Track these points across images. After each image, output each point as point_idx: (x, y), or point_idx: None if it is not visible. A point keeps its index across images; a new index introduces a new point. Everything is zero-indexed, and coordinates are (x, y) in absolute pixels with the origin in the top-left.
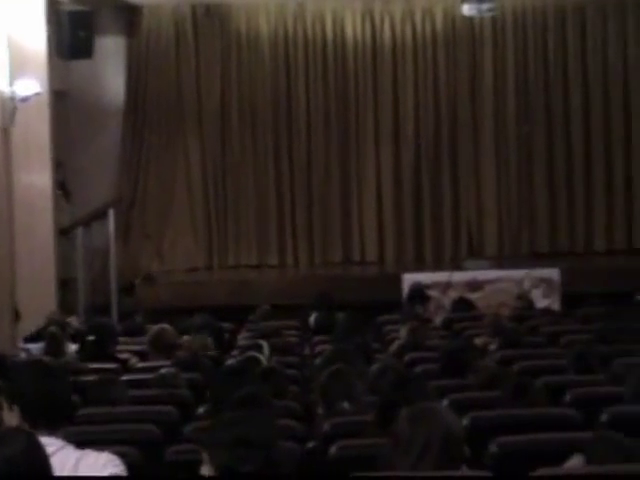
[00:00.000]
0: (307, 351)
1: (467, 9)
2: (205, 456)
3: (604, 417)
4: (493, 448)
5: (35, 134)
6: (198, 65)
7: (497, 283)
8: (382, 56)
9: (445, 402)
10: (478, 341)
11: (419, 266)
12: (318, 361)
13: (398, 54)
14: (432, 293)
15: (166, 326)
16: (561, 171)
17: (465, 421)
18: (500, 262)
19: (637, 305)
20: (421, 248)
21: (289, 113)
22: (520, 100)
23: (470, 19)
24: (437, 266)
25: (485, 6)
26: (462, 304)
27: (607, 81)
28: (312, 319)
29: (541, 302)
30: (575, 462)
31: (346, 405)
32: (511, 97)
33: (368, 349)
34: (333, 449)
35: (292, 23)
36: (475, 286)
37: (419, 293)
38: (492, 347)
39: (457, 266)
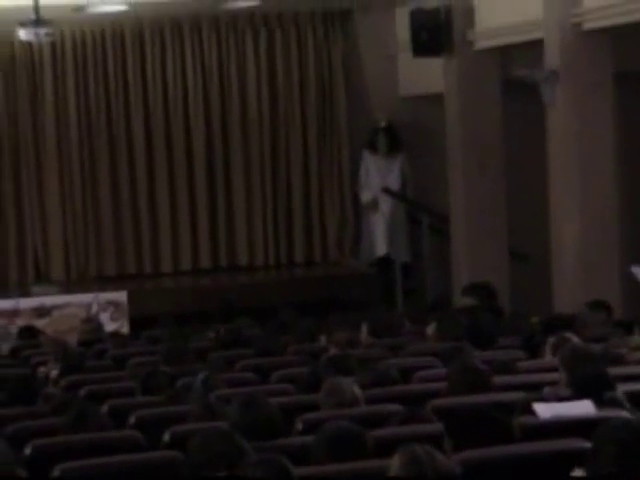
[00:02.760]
0: None
1: (24, 34)
2: None
3: (166, 437)
4: (56, 474)
5: None
6: None
7: (65, 308)
8: None
9: (9, 430)
10: (44, 369)
11: None
12: None
13: None
14: None
15: None
16: (126, 194)
17: (27, 450)
18: (68, 287)
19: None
20: None
21: None
22: (82, 124)
23: (29, 44)
24: (2, 293)
25: (42, 31)
26: (28, 331)
27: (167, 100)
28: None
29: (110, 325)
30: None
31: None
32: (73, 121)
33: None
34: None
35: None
36: (43, 312)
37: None
38: (54, 373)
39: (24, 292)
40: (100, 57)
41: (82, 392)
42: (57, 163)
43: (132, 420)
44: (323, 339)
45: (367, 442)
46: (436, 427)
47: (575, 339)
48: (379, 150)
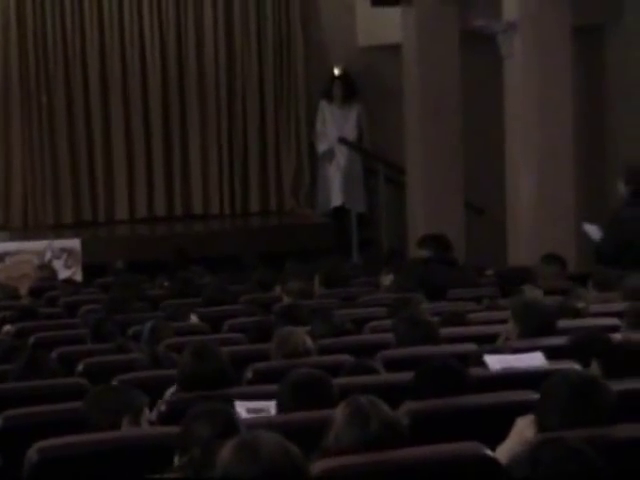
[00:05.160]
0: None
1: None
2: None
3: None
4: None
5: None
6: None
7: (18, 255)
8: None
9: None
10: None
11: None
12: None
13: None
14: None
15: None
16: (82, 141)
17: None
18: (23, 234)
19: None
20: None
21: None
22: (40, 72)
23: None
24: None
25: None
26: None
27: (124, 48)
28: None
29: (63, 273)
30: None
31: None
32: (32, 69)
33: None
34: None
35: None
36: None
37: None
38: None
39: None
40: (58, 2)
41: (32, 339)
42: (19, 111)
43: (80, 368)
44: (277, 289)
45: (332, 389)
46: (385, 378)
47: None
48: (335, 99)
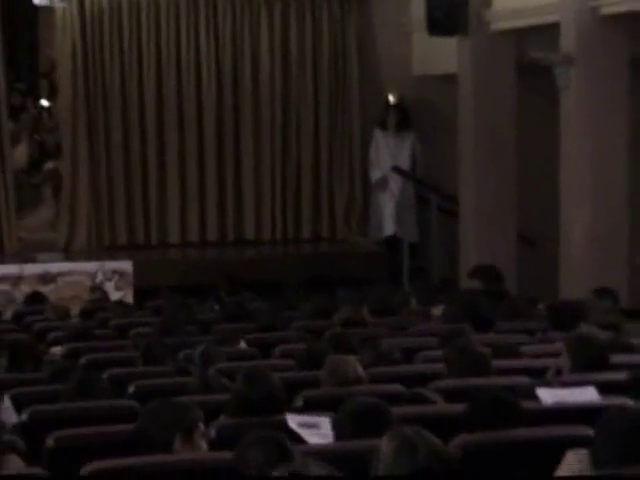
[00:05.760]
0: None
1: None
2: None
3: None
4: (49, 442)
5: None
6: None
7: (70, 276)
8: None
9: (7, 397)
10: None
11: None
12: None
13: None
14: (2, 286)
15: None
16: (137, 163)
17: (24, 416)
18: (76, 255)
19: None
20: None
21: None
22: (97, 96)
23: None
24: (7, 258)
25: None
26: (34, 297)
27: (180, 72)
28: None
29: (114, 295)
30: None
31: None
32: (85, 92)
33: None
34: None
35: None
36: (48, 278)
37: None
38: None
39: (29, 258)
40: (116, 26)
41: (83, 360)
42: (70, 131)
43: (131, 390)
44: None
45: (391, 418)
46: (440, 408)
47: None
48: (389, 128)
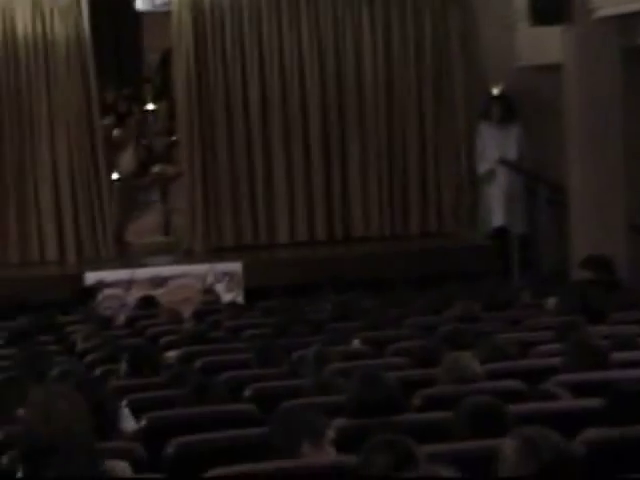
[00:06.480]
0: None
1: (140, 3)
2: None
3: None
4: (169, 449)
5: None
6: None
7: (180, 279)
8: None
9: (125, 402)
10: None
11: (100, 264)
12: None
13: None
14: (115, 291)
15: None
16: (243, 164)
17: (143, 422)
18: (185, 258)
19: (323, 295)
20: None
21: None
22: (202, 96)
23: None
24: (118, 263)
25: (158, 1)
26: (146, 301)
27: (284, 71)
28: None
29: (225, 296)
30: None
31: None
32: (188, 94)
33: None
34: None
35: None
36: (158, 282)
37: (84, 292)
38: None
39: (140, 263)
40: (218, 27)
41: (198, 364)
42: (186, 134)
43: (248, 393)
44: (439, 312)
45: (508, 417)
46: (561, 404)
47: None
48: (494, 119)
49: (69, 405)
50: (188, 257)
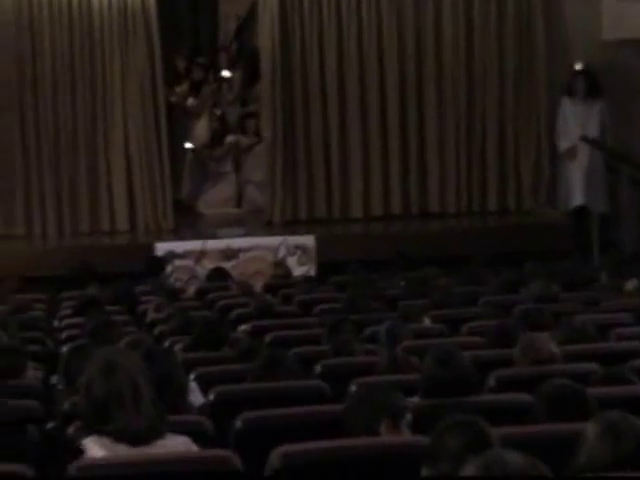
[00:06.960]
0: (56, 325)
1: None
2: None
3: (352, 389)
4: (238, 424)
5: None
6: None
7: (252, 251)
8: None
9: (192, 375)
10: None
11: (172, 235)
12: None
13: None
14: (185, 262)
15: None
16: (319, 138)
17: (210, 396)
18: (255, 229)
19: (397, 271)
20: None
21: (34, 77)
22: (284, 71)
23: None
24: (191, 234)
25: None
26: (217, 273)
27: (362, 44)
28: None
29: (297, 270)
30: None
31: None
32: (271, 70)
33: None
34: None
35: None
36: (230, 254)
37: (155, 263)
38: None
39: (212, 234)
40: (297, 2)
41: (268, 338)
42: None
43: (318, 369)
44: (516, 291)
45: (588, 402)
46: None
47: None
48: (577, 95)
49: (130, 360)
50: (260, 230)
